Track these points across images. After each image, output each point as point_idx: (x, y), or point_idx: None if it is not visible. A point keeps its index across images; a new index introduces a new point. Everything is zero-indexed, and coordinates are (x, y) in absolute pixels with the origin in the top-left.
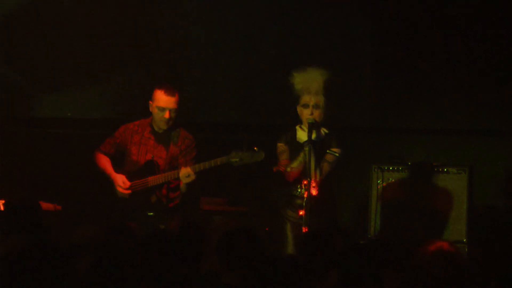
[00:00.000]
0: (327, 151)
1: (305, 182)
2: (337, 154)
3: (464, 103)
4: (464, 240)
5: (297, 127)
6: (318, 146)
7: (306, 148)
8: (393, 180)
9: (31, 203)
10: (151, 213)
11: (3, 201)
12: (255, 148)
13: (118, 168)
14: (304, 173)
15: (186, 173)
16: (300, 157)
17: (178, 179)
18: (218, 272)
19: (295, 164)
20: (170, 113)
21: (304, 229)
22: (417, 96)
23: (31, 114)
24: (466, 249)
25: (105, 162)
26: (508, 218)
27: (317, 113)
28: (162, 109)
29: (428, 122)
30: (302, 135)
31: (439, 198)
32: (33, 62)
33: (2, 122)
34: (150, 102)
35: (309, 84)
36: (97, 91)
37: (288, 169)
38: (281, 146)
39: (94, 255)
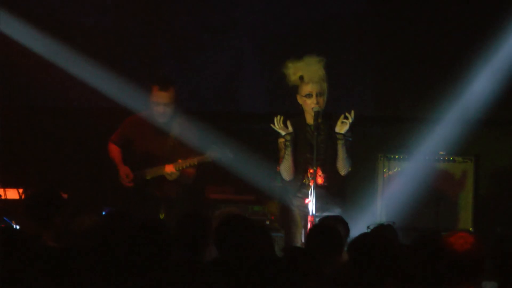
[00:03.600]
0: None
1: (311, 171)
2: (350, 138)
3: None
4: (470, 229)
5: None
6: (324, 134)
7: (288, 142)
8: (399, 169)
9: (54, 192)
10: (151, 202)
11: (21, 190)
12: (227, 151)
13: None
14: (311, 163)
15: (168, 171)
16: (285, 155)
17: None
18: (218, 261)
19: (283, 165)
20: (164, 108)
21: (310, 218)
22: (423, 85)
23: (40, 103)
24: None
25: (114, 153)
26: None
27: (321, 101)
28: (157, 104)
29: (435, 111)
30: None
31: (445, 187)
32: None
33: (11, 111)
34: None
35: (310, 73)
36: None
37: (281, 172)
38: (281, 142)
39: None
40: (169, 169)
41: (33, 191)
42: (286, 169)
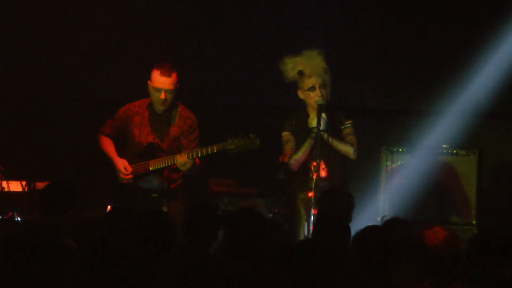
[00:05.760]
0: (342, 127)
1: (314, 164)
2: (350, 125)
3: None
4: (473, 222)
5: (312, 115)
6: (330, 128)
7: (313, 134)
8: (402, 162)
9: (69, 185)
10: (154, 194)
11: (24, 182)
12: (251, 136)
13: (121, 150)
14: (313, 156)
15: (182, 161)
16: (306, 145)
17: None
18: (225, 255)
19: (299, 154)
20: (165, 94)
21: (314, 211)
22: (427, 78)
23: (42, 95)
24: (476, 231)
25: (107, 145)
26: None
27: (324, 93)
28: (158, 90)
29: (438, 104)
30: (312, 120)
31: (448, 180)
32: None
33: (13, 103)
34: (148, 81)
35: (311, 66)
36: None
37: (291, 161)
38: (285, 135)
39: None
40: (182, 158)
41: (48, 184)
42: (300, 159)
